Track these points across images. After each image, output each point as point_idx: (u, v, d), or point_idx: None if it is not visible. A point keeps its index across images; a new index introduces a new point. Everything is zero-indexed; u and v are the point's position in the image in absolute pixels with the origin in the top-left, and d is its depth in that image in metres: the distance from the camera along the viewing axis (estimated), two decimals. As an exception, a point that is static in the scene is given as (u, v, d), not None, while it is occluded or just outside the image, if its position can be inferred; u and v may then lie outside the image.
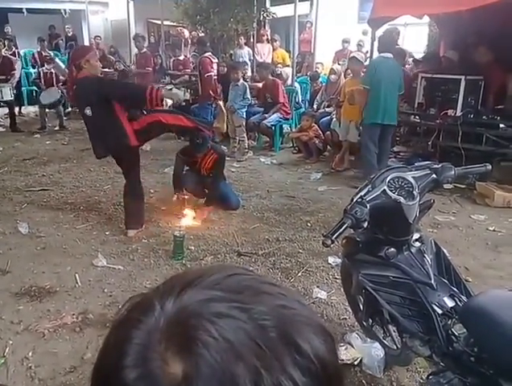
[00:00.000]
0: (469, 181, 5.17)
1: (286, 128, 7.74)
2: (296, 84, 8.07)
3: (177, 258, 3.69)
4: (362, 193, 1.90)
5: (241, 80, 7.07)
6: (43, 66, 9.29)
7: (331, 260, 3.60)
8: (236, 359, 0.41)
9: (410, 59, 7.79)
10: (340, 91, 6.70)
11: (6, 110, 8.94)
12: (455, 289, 1.95)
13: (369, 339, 2.47)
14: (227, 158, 5.06)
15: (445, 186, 2.18)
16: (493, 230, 4.31)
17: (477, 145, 5.47)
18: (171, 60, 9.94)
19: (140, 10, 12.62)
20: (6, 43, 10.12)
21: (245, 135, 7.04)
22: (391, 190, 1.89)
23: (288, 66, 9.05)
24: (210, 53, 7.54)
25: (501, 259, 3.75)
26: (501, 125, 5.36)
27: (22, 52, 11.16)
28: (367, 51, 7.43)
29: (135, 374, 0.42)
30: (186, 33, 11.01)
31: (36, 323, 2.83)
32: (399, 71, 5.56)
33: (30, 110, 10.46)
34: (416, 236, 2.03)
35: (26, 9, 13.52)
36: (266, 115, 7.20)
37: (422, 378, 2.35)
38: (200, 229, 4.28)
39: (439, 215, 4.58)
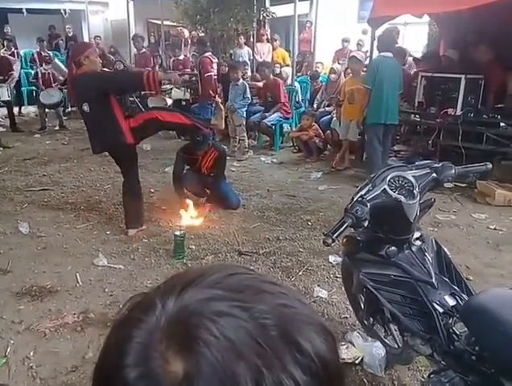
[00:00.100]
0: (470, 180, 5.18)
1: (286, 127, 7.74)
2: (296, 84, 8.08)
3: (178, 257, 3.69)
4: (363, 192, 1.89)
5: (241, 80, 7.07)
6: (42, 66, 9.29)
7: (331, 259, 3.60)
8: (237, 358, 0.41)
9: (410, 58, 7.78)
10: (340, 90, 6.71)
11: (6, 110, 8.94)
12: (456, 288, 1.95)
13: (370, 338, 2.47)
14: (227, 158, 5.06)
15: (446, 185, 2.19)
16: (494, 229, 4.31)
17: (478, 144, 5.47)
18: (171, 60, 9.92)
19: (140, 10, 12.62)
20: (6, 44, 10.12)
21: (245, 134, 7.05)
22: (392, 190, 1.89)
23: (288, 65, 9.05)
24: (210, 53, 7.54)
25: (502, 257, 3.75)
26: (502, 124, 5.37)
27: (22, 52, 11.15)
28: (367, 51, 7.44)
29: (136, 373, 0.42)
30: (186, 33, 11.00)
31: (37, 323, 2.83)
32: (399, 70, 5.57)
33: (30, 110, 10.46)
34: (417, 234, 2.02)
35: (26, 9, 13.49)
36: (267, 114, 7.21)
37: (423, 377, 2.35)
38: (201, 228, 4.28)
39: (440, 214, 4.57)
